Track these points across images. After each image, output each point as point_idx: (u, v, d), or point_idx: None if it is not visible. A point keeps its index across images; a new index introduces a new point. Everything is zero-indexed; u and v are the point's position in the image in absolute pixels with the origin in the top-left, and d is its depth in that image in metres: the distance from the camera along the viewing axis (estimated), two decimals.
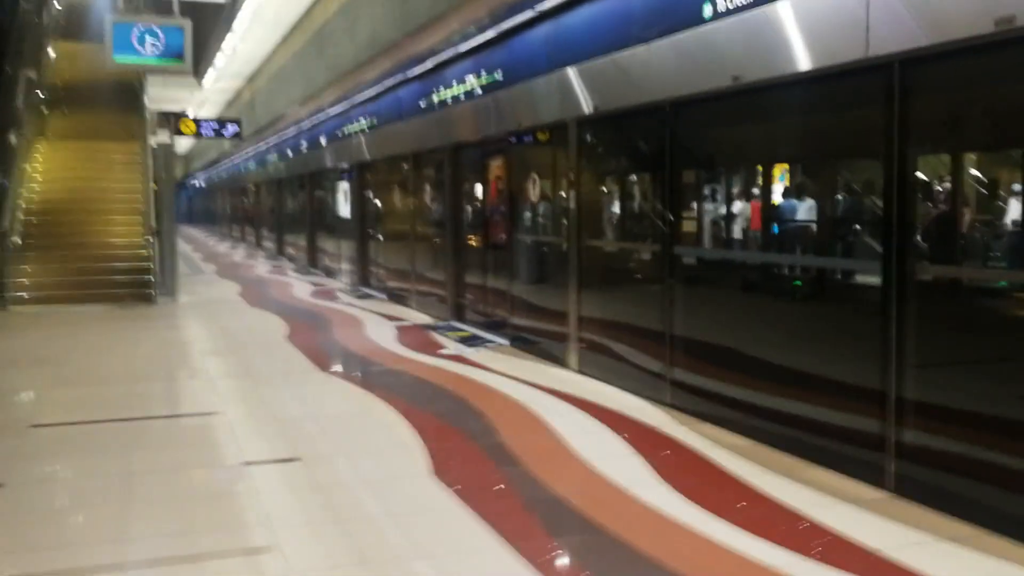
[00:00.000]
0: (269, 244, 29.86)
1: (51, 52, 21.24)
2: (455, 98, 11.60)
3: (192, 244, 35.33)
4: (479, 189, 12.21)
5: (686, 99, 6.98)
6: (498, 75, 10.20)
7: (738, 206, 8.43)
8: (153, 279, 15.29)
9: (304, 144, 22.03)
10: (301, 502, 5.22)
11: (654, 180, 8.02)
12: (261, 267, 23.67)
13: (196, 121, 16.79)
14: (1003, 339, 5.05)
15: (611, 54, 7.70)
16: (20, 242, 15.35)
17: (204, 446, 6.48)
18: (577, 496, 5.24)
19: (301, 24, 19.26)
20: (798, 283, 6.84)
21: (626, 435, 6.50)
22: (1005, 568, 4.21)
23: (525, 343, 10.08)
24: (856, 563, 4.24)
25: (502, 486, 5.46)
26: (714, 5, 6.34)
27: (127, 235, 16.08)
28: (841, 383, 5.74)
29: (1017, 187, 6.17)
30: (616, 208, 9.34)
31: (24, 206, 16.09)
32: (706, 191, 8.07)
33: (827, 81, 5.68)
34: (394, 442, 6.42)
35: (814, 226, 7.06)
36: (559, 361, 9.17)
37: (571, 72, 8.41)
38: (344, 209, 18.89)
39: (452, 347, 10.37)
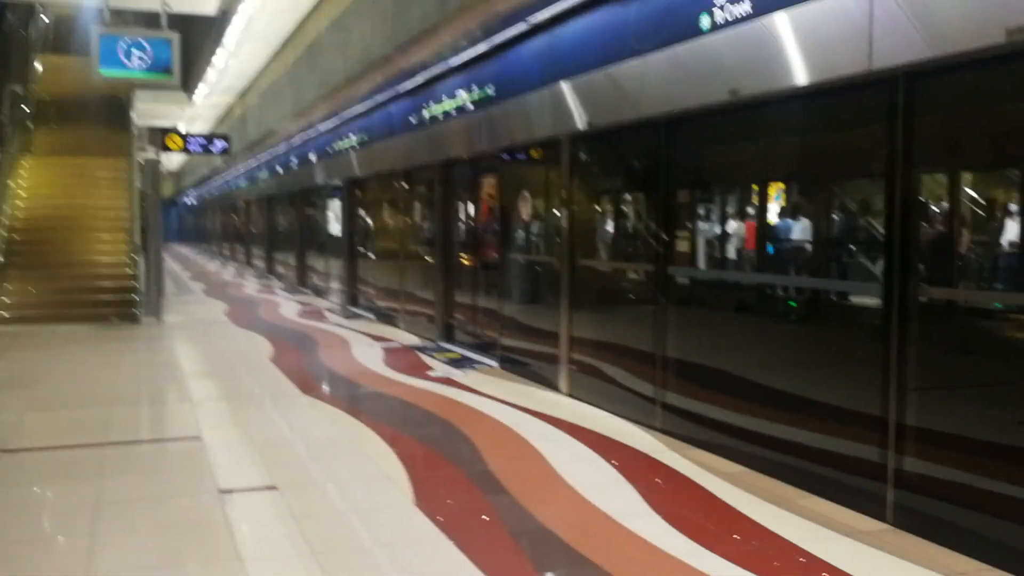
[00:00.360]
0: (259, 263, 29.61)
1: (38, 66, 21.03)
2: (446, 113, 11.41)
3: (182, 263, 35.07)
4: (470, 207, 12.00)
5: (682, 115, 6.78)
6: (490, 90, 10.01)
7: (733, 226, 8.21)
8: (138, 299, 15.04)
9: (294, 161, 21.82)
10: (276, 533, 4.97)
11: (648, 199, 7.81)
12: (250, 286, 23.41)
13: (184, 136, 16.58)
14: (1013, 364, 4.83)
15: (605, 68, 7.51)
16: (2, 260, 15.08)
17: (179, 473, 6.23)
18: (565, 527, 5.00)
19: (293, 39, 19.09)
20: (793, 304, 6.63)
21: (616, 462, 6.26)
22: None
23: (515, 365, 9.85)
24: None
25: (487, 516, 5.21)
26: (712, 16, 6.14)
27: (112, 253, 15.84)
28: (838, 408, 5.52)
29: None
30: (609, 227, 9.13)
31: (7, 223, 15.83)
32: (701, 210, 7.86)
33: (828, 96, 5.48)
34: (376, 469, 6.17)
35: (810, 246, 6.86)
36: (549, 384, 8.94)
37: (564, 87, 8.21)
38: (333, 227, 18.67)
39: (440, 369, 10.13)
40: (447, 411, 7.94)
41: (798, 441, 5.70)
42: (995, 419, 4.63)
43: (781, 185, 7.49)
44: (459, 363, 10.50)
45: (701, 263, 7.68)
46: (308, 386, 9.21)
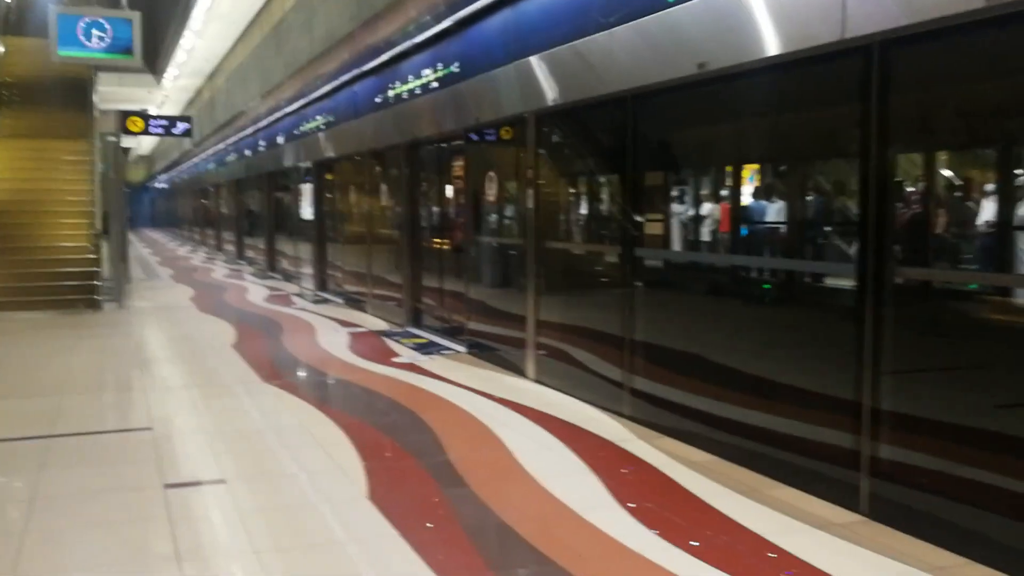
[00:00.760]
0: (230, 247, 29.18)
1: None
2: (411, 92, 11.10)
3: (152, 247, 34.56)
4: (437, 188, 11.71)
5: (649, 90, 6.51)
6: (455, 67, 9.72)
7: (704, 207, 7.97)
8: (100, 284, 14.65)
9: (262, 143, 21.41)
10: (219, 531, 4.70)
11: (615, 178, 7.55)
12: (219, 271, 23.00)
13: (144, 118, 16.14)
14: (991, 345, 4.61)
15: (570, 42, 7.23)
16: None
17: (125, 466, 5.91)
18: (524, 521, 4.75)
19: (259, 19, 18.72)
20: (767, 286, 6.40)
21: (582, 451, 6.02)
22: None
23: (482, 350, 9.59)
24: None
25: (443, 511, 4.96)
26: None
27: (73, 238, 15.39)
28: (811, 393, 5.29)
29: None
30: (577, 208, 8.87)
31: None
32: (670, 190, 7.61)
33: (799, 68, 5.23)
34: (330, 461, 5.90)
35: (783, 228, 6.62)
36: (516, 369, 8.68)
37: (529, 63, 7.93)
38: (302, 210, 18.32)
39: (406, 355, 9.86)
40: (409, 399, 7.68)
41: (770, 428, 5.48)
42: (973, 403, 4.41)
43: (755, 166, 7.24)
44: (426, 348, 10.23)
45: (671, 244, 7.44)
46: (268, 374, 8.91)
